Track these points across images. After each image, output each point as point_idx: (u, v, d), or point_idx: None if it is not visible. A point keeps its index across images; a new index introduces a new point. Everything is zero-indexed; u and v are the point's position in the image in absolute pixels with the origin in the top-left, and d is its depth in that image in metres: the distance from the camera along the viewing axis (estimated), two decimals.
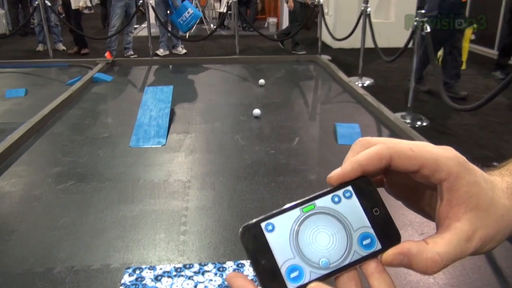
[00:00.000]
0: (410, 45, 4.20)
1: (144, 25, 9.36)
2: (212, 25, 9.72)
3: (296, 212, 0.35)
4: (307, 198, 0.35)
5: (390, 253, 0.33)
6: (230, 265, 1.99)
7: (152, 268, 1.97)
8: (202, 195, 2.63)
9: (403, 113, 4.10)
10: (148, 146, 3.32)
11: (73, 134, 3.58)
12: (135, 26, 7.91)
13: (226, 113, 4.18)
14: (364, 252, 0.34)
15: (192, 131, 3.63)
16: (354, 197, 0.36)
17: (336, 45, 7.55)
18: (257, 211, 2.43)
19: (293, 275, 0.33)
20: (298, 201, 0.35)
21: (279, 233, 0.34)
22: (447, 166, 0.34)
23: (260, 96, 4.69)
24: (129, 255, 2.07)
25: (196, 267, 1.98)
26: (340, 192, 0.36)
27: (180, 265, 1.99)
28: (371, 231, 0.34)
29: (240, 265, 1.99)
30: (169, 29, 6.70)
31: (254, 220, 0.34)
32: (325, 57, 6.45)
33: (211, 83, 5.29)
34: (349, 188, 0.36)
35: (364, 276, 0.34)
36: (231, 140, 3.46)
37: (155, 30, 6.97)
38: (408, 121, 3.95)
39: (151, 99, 4.08)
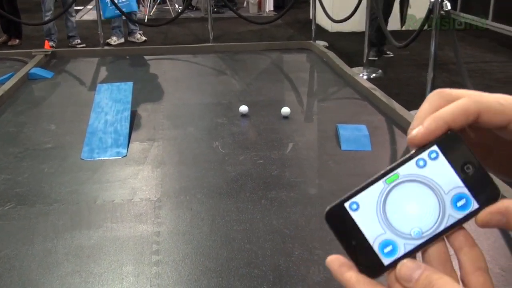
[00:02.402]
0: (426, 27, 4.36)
1: (90, 6, 9.43)
2: (177, 6, 9.83)
3: (380, 185, 0.41)
4: (389, 168, 0.41)
5: (486, 213, 0.38)
6: None
7: None
8: (177, 217, 2.69)
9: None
10: (105, 158, 3.37)
11: (7, 146, 3.61)
12: (78, 8, 7.95)
13: (201, 115, 4.26)
14: (460, 214, 0.39)
15: (159, 139, 3.70)
16: (442, 157, 0.40)
17: (334, 28, 7.73)
18: (245, 234, 2.51)
19: (386, 249, 0.39)
20: (380, 173, 0.41)
21: (365, 209, 0.41)
22: (470, 107, 0.39)
23: (242, 93, 4.78)
24: None
25: None
26: (424, 154, 0.40)
27: None
28: (465, 190, 0.39)
29: None
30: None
31: (337, 201, 0.41)
32: (321, 43, 6.59)
33: (179, 78, 5.37)
34: (435, 148, 0.40)
35: (453, 250, 0.39)
36: (209, 148, 3.54)
37: None
38: None
39: (105, 99, 4.14)
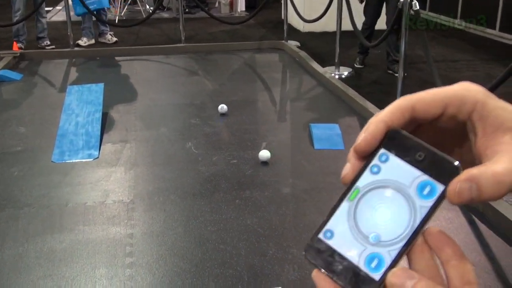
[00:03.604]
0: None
1: (60, 7, 9.30)
2: (148, 6, 9.76)
3: (345, 205, 0.41)
4: (348, 186, 0.41)
5: (453, 184, 0.37)
6: None
7: None
8: (150, 219, 2.68)
9: None
10: (77, 161, 3.33)
11: None
12: (48, 8, 7.83)
13: (173, 115, 4.24)
14: (430, 201, 0.39)
15: (131, 140, 3.68)
16: (392, 156, 0.41)
17: (306, 28, 7.79)
18: (219, 234, 2.51)
19: (373, 264, 0.38)
20: (341, 194, 0.41)
21: (340, 233, 0.40)
22: (470, 96, 0.40)
23: (215, 93, 4.78)
24: None
25: None
26: (375, 160, 0.41)
27: None
28: (426, 177, 0.39)
29: None
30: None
31: (311, 237, 0.41)
32: (293, 43, 6.63)
33: (151, 79, 5.34)
34: (382, 150, 0.41)
35: (440, 263, 0.38)
36: (182, 149, 3.53)
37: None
38: None
39: (76, 101, 4.09)
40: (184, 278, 2.21)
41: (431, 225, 0.39)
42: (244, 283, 2.17)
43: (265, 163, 3.28)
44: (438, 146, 0.41)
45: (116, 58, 6.22)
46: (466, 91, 0.41)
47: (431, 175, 0.39)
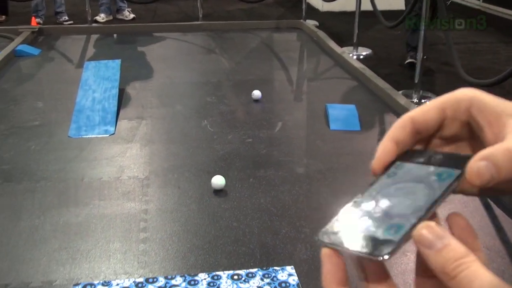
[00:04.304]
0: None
1: None
2: None
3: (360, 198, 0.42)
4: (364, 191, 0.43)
5: (472, 164, 0.38)
6: (203, 277, 2.08)
7: (106, 283, 2.04)
8: (165, 195, 2.70)
9: (409, 91, 4.25)
10: (93, 136, 3.36)
11: None
12: None
13: (189, 93, 4.25)
14: (449, 181, 0.40)
15: (147, 117, 3.69)
16: (407, 163, 0.43)
17: (325, 7, 7.69)
18: (233, 212, 2.53)
19: (392, 230, 0.38)
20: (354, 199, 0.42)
21: (359, 214, 0.41)
22: (464, 94, 0.42)
23: (232, 72, 4.77)
24: (77, 269, 2.13)
25: (162, 281, 2.06)
26: (391, 169, 0.44)
27: (141, 279, 2.07)
28: (442, 169, 0.41)
29: (215, 277, 2.08)
30: None
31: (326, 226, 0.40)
32: (311, 23, 6.57)
33: (168, 57, 5.33)
34: (398, 162, 0.44)
35: None
36: (197, 127, 3.53)
37: None
38: (415, 100, 4.11)
39: (93, 76, 4.11)
40: (197, 255, 2.23)
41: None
42: (256, 261, 2.18)
43: (276, 142, 3.28)
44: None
45: (134, 34, 6.22)
46: (459, 92, 0.43)
47: (447, 166, 0.41)
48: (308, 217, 2.51)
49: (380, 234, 0.38)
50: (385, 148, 0.43)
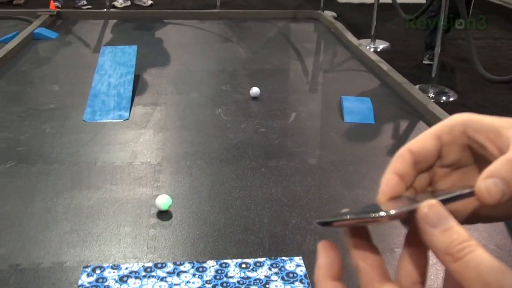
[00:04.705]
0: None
1: None
2: None
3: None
4: None
5: (479, 184, 0.36)
6: (211, 264, 2.09)
7: (116, 267, 2.06)
8: (176, 182, 2.71)
9: (426, 85, 4.22)
10: (107, 121, 3.38)
11: (10, 105, 3.62)
12: None
13: (205, 81, 4.25)
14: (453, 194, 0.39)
15: (162, 103, 3.70)
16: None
17: None
18: (243, 201, 2.53)
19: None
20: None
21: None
22: (457, 118, 0.42)
23: (248, 61, 4.76)
24: (87, 251, 2.15)
25: (170, 267, 2.08)
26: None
27: (150, 264, 2.09)
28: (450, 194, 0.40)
29: (224, 265, 2.09)
30: None
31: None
32: (329, 14, 6.52)
33: (184, 44, 5.34)
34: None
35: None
36: (212, 115, 3.54)
37: None
38: (431, 95, 4.08)
39: (109, 62, 4.13)
40: (206, 242, 2.24)
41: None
42: (265, 250, 2.19)
43: (289, 133, 3.28)
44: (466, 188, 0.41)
45: (151, 21, 6.22)
46: (453, 118, 0.43)
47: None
48: (319, 209, 2.51)
49: (378, 207, 0.39)
50: (388, 182, 0.42)
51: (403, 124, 3.53)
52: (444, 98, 4.12)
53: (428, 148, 0.43)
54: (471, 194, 0.38)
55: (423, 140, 0.43)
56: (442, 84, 4.21)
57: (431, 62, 4.50)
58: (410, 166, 0.43)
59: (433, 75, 4.13)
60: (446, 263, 0.34)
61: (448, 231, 0.35)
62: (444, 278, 0.40)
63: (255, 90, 3.83)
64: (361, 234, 0.40)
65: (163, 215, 2.41)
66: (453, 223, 0.35)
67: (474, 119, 0.41)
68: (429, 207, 0.36)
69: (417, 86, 4.08)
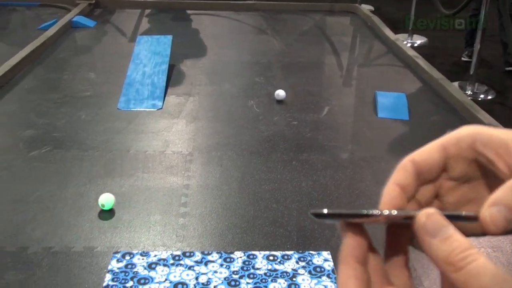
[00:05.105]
0: None
1: None
2: None
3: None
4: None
5: (484, 213, 0.36)
6: (239, 255, 2.10)
7: (145, 254, 2.09)
8: (207, 172, 2.73)
9: (463, 82, 4.13)
10: (141, 110, 3.42)
11: (47, 92, 3.70)
12: None
13: (238, 72, 4.25)
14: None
15: (195, 94, 3.73)
16: None
17: None
18: (273, 193, 2.53)
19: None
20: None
21: None
22: (464, 131, 0.41)
23: (282, 53, 4.74)
24: (117, 238, 2.19)
25: (198, 256, 2.10)
26: None
27: (179, 253, 2.11)
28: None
29: (251, 256, 2.10)
30: None
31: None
32: (367, 8, 6.44)
33: (220, 35, 5.35)
34: None
35: None
36: (244, 106, 3.54)
37: None
38: (468, 92, 4.00)
39: (144, 51, 4.17)
40: (235, 233, 2.25)
41: None
42: (293, 243, 2.19)
43: (321, 127, 3.26)
44: (476, 202, 0.40)
45: (187, 11, 6.26)
46: (461, 130, 0.41)
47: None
48: (349, 204, 2.49)
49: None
50: (390, 193, 0.42)
51: (438, 122, 3.47)
52: (482, 96, 4.03)
53: (432, 159, 0.42)
54: (475, 218, 0.37)
55: (428, 151, 0.42)
56: (480, 82, 4.12)
57: (469, 59, 4.42)
58: (412, 177, 0.42)
59: (471, 72, 4.04)
60: (447, 273, 0.34)
61: (447, 240, 0.34)
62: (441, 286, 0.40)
63: (281, 94, 3.62)
64: (362, 237, 0.39)
65: (193, 205, 2.43)
66: (452, 231, 0.35)
67: (483, 132, 0.40)
68: (427, 216, 0.35)
69: (454, 83, 4.00)
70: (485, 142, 0.39)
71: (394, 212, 0.38)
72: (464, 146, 0.40)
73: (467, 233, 0.40)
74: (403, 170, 0.43)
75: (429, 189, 0.43)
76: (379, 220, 0.38)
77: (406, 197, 0.42)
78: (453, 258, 0.33)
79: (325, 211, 0.39)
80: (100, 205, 2.34)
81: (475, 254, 0.33)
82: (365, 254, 0.39)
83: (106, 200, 2.34)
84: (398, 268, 0.40)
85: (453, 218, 0.37)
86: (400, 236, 0.41)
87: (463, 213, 0.38)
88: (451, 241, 0.34)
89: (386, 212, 0.37)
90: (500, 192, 0.36)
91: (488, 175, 0.41)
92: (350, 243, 0.39)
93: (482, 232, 0.38)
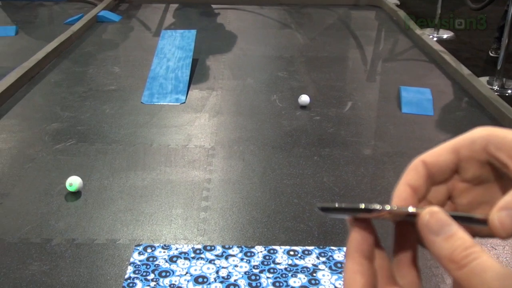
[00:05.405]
0: None
1: None
2: None
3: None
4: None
5: (493, 216, 0.35)
6: (259, 250, 2.11)
7: (166, 247, 2.11)
8: (229, 166, 2.73)
9: (490, 78, 4.05)
10: (164, 104, 3.44)
11: (73, 85, 3.74)
12: None
13: (261, 67, 4.25)
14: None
15: (218, 88, 3.73)
16: None
17: None
18: (294, 188, 2.53)
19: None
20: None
21: None
22: (477, 132, 0.40)
23: (305, 48, 4.72)
24: (139, 230, 2.21)
25: (219, 250, 2.10)
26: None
27: (200, 246, 2.12)
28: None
29: (272, 251, 2.10)
30: None
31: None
32: (392, 1, 6.37)
33: (243, 29, 5.35)
34: None
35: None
36: (266, 101, 3.54)
37: None
38: (495, 87, 3.92)
39: (168, 45, 4.19)
40: (255, 227, 2.25)
41: None
42: (313, 239, 2.18)
43: (344, 122, 3.23)
44: (490, 205, 0.39)
45: (211, 5, 6.27)
46: (474, 132, 0.41)
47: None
48: (371, 200, 2.47)
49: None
50: (401, 194, 0.42)
51: (464, 117, 3.42)
52: (509, 91, 3.95)
53: (444, 161, 0.41)
54: (484, 221, 0.36)
55: (439, 152, 0.41)
56: (508, 77, 4.04)
57: (496, 55, 4.34)
58: (424, 178, 0.42)
59: (498, 68, 3.97)
60: (450, 271, 0.33)
61: (451, 238, 0.34)
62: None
63: (305, 99, 3.44)
64: (368, 232, 0.39)
65: (215, 199, 2.44)
66: (456, 229, 0.34)
67: (496, 135, 0.39)
68: (430, 214, 0.35)
69: (481, 78, 3.93)
70: (498, 145, 0.38)
71: (395, 208, 0.37)
72: (477, 149, 0.40)
73: (482, 235, 0.39)
74: (414, 171, 0.42)
75: (441, 190, 0.42)
76: (383, 215, 0.37)
77: (417, 197, 0.42)
78: (456, 256, 0.33)
79: (331, 205, 0.39)
80: (67, 185, 2.42)
81: (478, 252, 0.33)
82: (372, 249, 0.38)
83: (74, 180, 2.43)
84: (405, 267, 0.39)
85: (464, 220, 0.36)
86: (409, 234, 0.40)
87: (471, 215, 0.37)
88: (454, 239, 0.34)
89: (388, 207, 0.37)
90: (509, 196, 0.35)
91: (502, 178, 0.40)
92: (356, 237, 0.38)
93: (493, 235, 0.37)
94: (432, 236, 0.35)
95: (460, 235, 0.34)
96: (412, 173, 0.42)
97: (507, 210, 0.35)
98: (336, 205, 0.38)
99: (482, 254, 0.33)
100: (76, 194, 2.44)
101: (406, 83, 3.79)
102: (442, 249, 0.34)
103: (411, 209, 0.37)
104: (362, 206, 0.37)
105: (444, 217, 0.35)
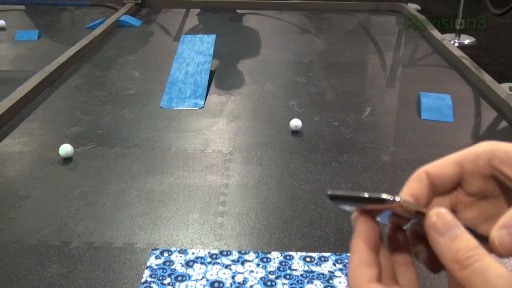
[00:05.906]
0: None
1: None
2: None
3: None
4: None
5: (493, 234, 0.35)
6: (276, 256, 2.10)
7: (183, 251, 2.12)
8: (246, 171, 2.74)
9: None
10: (183, 108, 3.46)
11: (94, 89, 3.78)
12: None
13: (280, 72, 4.25)
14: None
15: (236, 93, 3.74)
16: None
17: None
18: (312, 194, 2.52)
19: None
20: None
21: None
22: (482, 147, 0.40)
23: (324, 53, 4.71)
24: (156, 235, 2.22)
25: (235, 255, 2.10)
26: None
27: (216, 251, 2.12)
28: None
29: (288, 257, 2.09)
30: None
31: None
32: (413, 7, 6.33)
33: (262, 34, 5.36)
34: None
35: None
36: (285, 106, 3.54)
37: None
38: None
39: (188, 50, 4.22)
40: (272, 233, 2.25)
41: None
42: (330, 245, 2.17)
43: (363, 128, 3.22)
44: (497, 219, 0.39)
45: (231, 11, 6.29)
46: (478, 146, 0.41)
47: None
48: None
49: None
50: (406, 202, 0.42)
51: (485, 124, 3.37)
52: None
53: (447, 173, 0.41)
54: (486, 238, 0.36)
55: (443, 164, 0.41)
56: None
57: None
58: (426, 189, 0.42)
59: None
60: (453, 272, 0.34)
61: (456, 239, 0.34)
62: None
63: (295, 123, 3.15)
64: (375, 224, 0.40)
65: (231, 204, 2.45)
66: (461, 231, 0.35)
67: (500, 149, 0.39)
68: (438, 214, 0.36)
69: (503, 85, 3.88)
70: (503, 159, 0.38)
71: (405, 202, 0.38)
72: (481, 163, 0.40)
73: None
74: (417, 181, 0.42)
75: (444, 202, 0.43)
76: (394, 207, 0.37)
77: None
78: (460, 256, 0.34)
79: (340, 193, 0.39)
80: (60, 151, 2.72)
81: (482, 254, 0.33)
82: (378, 242, 0.39)
83: (65, 147, 2.78)
84: (403, 266, 0.40)
85: (469, 232, 0.36)
86: (404, 240, 0.41)
87: (477, 230, 0.37)
88: (459, 240, 0.34)
89: (397, 198, 0.37)
90: (509, 214, 0.35)
91: (508, 192, 0.40)
92: (363, 229, 0.39)
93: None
94: (437, 236, 0.35)
95: (465, 237, 0.35)
96: (415, 183, 0.42)
97: (507, 229, 0.35)
98: (347, 193, 0.39)
99: (485, 256, 0.33)
100: (92, 197, 2.46)
101: (426, 89, 3.76)
102: (446, 249, 0.34)
103: (419, 207, 0.38)
104: (377, 195, 0.38)
105: (450, 218, 0.36)
